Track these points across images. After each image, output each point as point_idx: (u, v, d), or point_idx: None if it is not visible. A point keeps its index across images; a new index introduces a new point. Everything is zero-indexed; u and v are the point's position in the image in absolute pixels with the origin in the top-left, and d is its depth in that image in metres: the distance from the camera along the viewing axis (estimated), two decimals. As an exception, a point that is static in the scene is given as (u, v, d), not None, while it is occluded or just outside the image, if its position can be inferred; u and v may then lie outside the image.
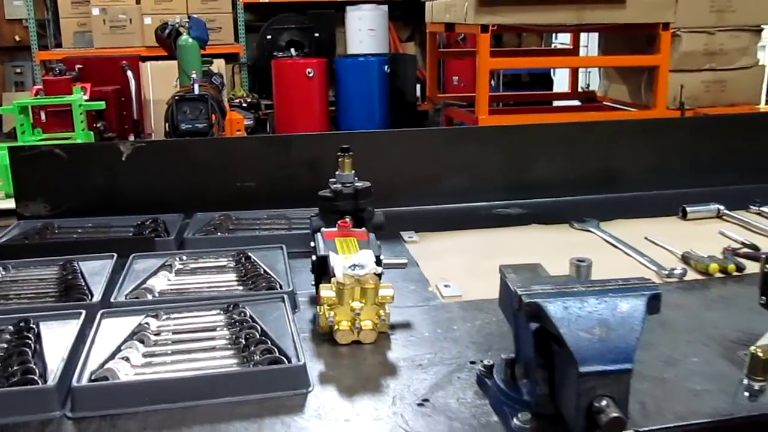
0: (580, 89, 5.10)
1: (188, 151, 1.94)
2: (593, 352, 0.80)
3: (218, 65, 6.33)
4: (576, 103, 4.83)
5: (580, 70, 5.65)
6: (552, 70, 7.12)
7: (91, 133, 4.92)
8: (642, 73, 3.91)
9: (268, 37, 7.19)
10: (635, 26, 3.75)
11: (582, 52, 5.53)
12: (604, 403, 0.79)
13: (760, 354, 0.92)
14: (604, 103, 4.44)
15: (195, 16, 5.95)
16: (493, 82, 7.58)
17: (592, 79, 5.73)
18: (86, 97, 5.05)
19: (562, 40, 6.61)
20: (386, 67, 6.84)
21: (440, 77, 7.87)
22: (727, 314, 1.28)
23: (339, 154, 1.43)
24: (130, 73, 5.95)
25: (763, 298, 1.10)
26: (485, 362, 1.02)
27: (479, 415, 0.96)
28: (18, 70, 8.02)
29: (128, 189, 1.84)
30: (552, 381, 0.88)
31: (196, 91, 4.79)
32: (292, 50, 7.06)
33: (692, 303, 1.34)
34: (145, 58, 6.26)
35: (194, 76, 4.84)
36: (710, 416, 0.96)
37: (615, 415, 0.78)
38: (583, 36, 5.36)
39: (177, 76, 5.19)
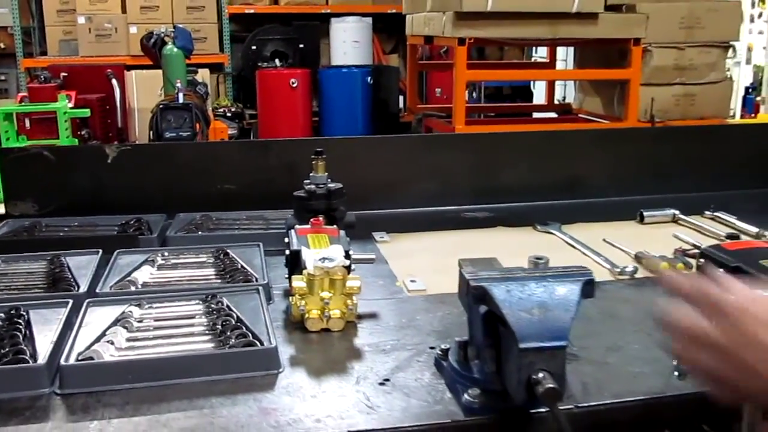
0: (556, 102, 5.23)
1: (171, 154, 2.03)
2: (532, 330, 0.90)
3: (203, 75, 6.41)
4: (553, 115, 4.95)
5: (558, 83, 5.79)
6: (532, 83, 7.26)
7: (76, 140, 4.98)
8: (615, 86, 4.04)
9: (253, 47, 7.28)
10: (608, 41, 3.87)
11: (561, 65, 5.67)
12: (541, 375, 0.89)
13: (687, 336, 1.01)
14: (579, 115, 4.57)
15: (180, 25, 6.03)
16: (475, 95, 7.71)
17: (569, 92, 5.86)
18: (71, 105, 5.11)
19: (542, 53, 6.75)
20: (369, 78, 6.94)
21: (423, 89, 8.00)
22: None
23: (313, 157, 1.53)
24: (115, 82, 6.01)
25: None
26: (442, 346, 1.11)
27: (434, 393, 1.05)
28: (2, 78, 8.05)
29: (113, 190, 1.92)
30: (499, 359, 0.97)
31: (181, 100, 4.86)
32: (277, 61, 7.15)
33: (641, 298, 1.44)
34: (130, 67, 6.33)
35: (179, 85, 4.91)
36: (644, 394, 1.06)
37: (550, 385, 0.88)
38: (561, 50, 5.50)
39: (162, 85, 5.26)
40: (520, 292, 0.92)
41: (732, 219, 1.93)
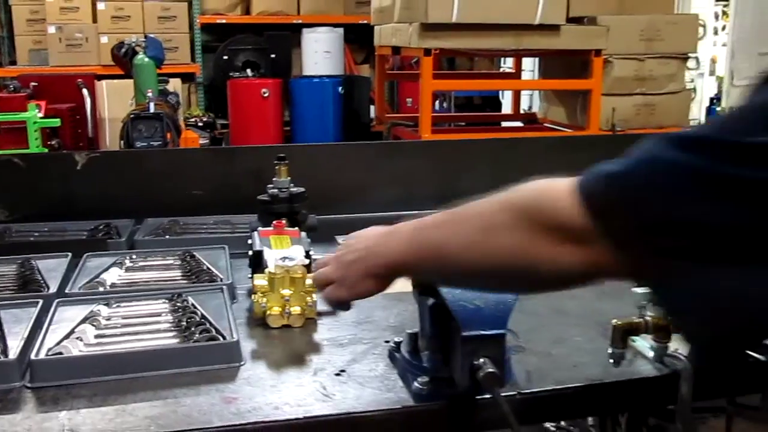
0: (522, 111, 5.34)
1: (140, 161, 2.08)
2: (474, 319, 0.97)
3: (174, 84, 6.44)
4: (519, 124, 5.06)
5: (525, 93, 5.91)
6: (501, 93, 7.37)
7: (46, 150, 4.99)
8: (577, 96, 4.15)
9: (225, 57, 7.32)
10: (570, 52, 3.98)
11: (528, 76, 5.79)
12: (482, 361, 0.96)
13: (620, 325, 1.09)
14: (545, 124, 4.68)
15: (152, 35, 6.07)
16: (445, 104, 7.81)
17: (535, 102, 5.98)
18: (41, 115, 5.11)
19: (510, 64, 6.87)
20: (341, 88, 7.01)
21: (394, 99, 8.09)
22: (616, 304, 1.45)
23: (276, 162, 1.60)
24: (85, 91, 6.02)
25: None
26: (395, 339, 1.18)
27: (387, 382, 1.12)
28: (-28, 87, 8.02)
29: (83, 196, 1.97)
30: (446, 349, 1.04)
31: (152, 110, 4.89)
32: (249, 71, 7.20)
33: (587, 295, 1.51)
34: (101, 77, 6.34)
35: (150, 94, 4.94)
36: (583, 381, 1.13)
37: (490, 370, 0.95)
38: (528, 61, 5.62)
39: (133, 94, 5.29)
40: (462, 284, 0.99)
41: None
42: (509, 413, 0.96)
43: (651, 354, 1.17)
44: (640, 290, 1.11)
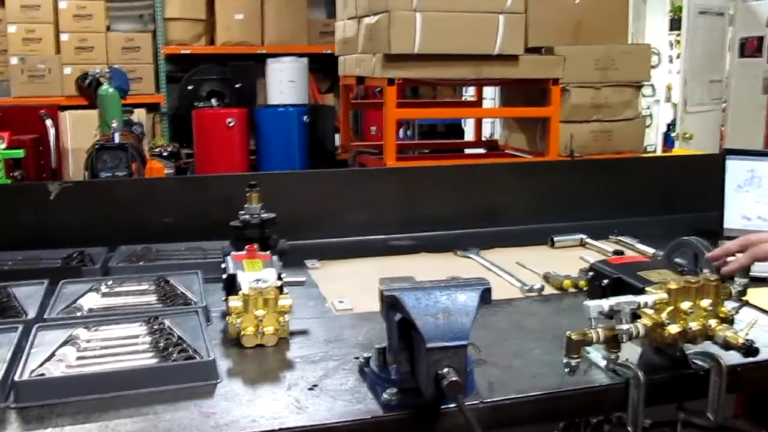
0: (484, 138, 5.46)
1: (112, 190, 2.13)
2: (437, 332, 1.04)
3: (139, 115, 6.47)
4: (481, 150, 5.17)
5: (487, 121, 6.04)
6: (463, 121, 7.51)
7: (9, 181, 4.97)
8: (537, 123, 4.27)
9: (189, 87, 7.37)
10: (529, 81, 4.11)
11: (490, 104, 5.92)
12: (446, 370, 1.03)
13: (573, 336, 1.17)
14: (506, 150, 4.80)
15: (116, 66, 6.11)
16: (409, 132, 7.94)
17: (497, 130, 6.11)
18: (4, 146, 5.10)
19: (472, 93, 7.02)
20: (306, 117, 7.08)
21: (359, 127, 8.19)
22: (573, 319, 1.53)
23: (247, 189, 1.66)
24: (48, 122, 6.01)
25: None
26: (365, 355, 1.25)
27: (357, 394, 1.18)
28: (-68, 119, 7.94)
29: (56, 225, 2.01)
30: (412, 361, 1.11)
31: (116, 140, 4.91)
32: (213, 100, 7.25)
33: (545, 311, 1.61)
34: (64, 107, 6.34)
35: (114, 125, 4.97)
36: (541, 390, 1.21)
37: (454, 379, 1.02)
38: (490, 90, 5.75)
39: (97, 125, 5.31)
40: (426, 299, 1.07)
41: (633, 242, 2.13)
42: (471, 418, 1.03)
43: (603, 364, 1.25)
44: (592, 304, 1.20)
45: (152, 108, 7.29)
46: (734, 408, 2.60)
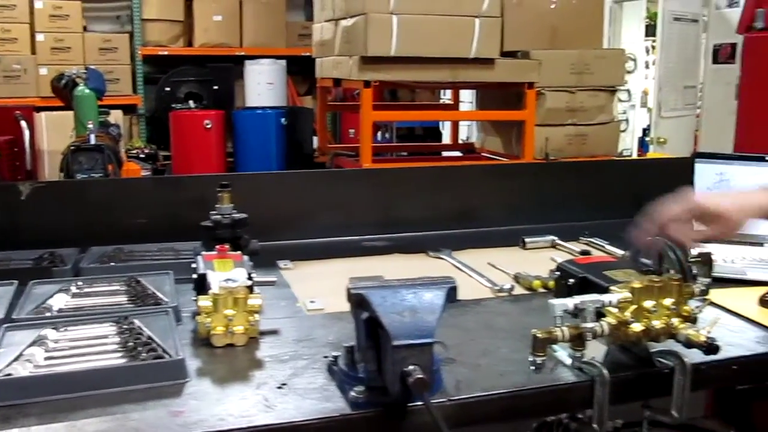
0: (461, 141, 5.49)
1: (84, 191, 2.12)
2: (403, 330, 1.05)
3: (116, 116, 6.42)
4: (458, 153, 5.20)
5: (464, 123, 6.08)
6: (441, 124, 7.54)
7: (-16, 182, 4.93)
8: (512, 126, 4.31)
9: (167, 89, 7.34)
10: (505, 85, 4.15)
11: (468, 107, 5.95)
12: (412, 368, 1.04)
13: (539, 335, 1.19)
14: (482, 153, 4.83)
15: (92, 67, 6.06)
16: (387, 135, 7.95)
17: (474, 132, 6.15)
18: (-22, 147, 5.06)
19: (450, 96, 7.05)
20: (284, 119, 7.08)
21: (338, 130, 8.20)
22: (542, 318, 1.53)
23: (218, 189, 1.67)
24: (23, 123, 5.96)
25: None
26: (334, 354, 1.26)
27: (326, 393, 1.19)
28: None
29: (27, 226, 2.00)
30: (379, 359, 1.12)
31: (93, 142, 4.88)
32: (191, 102, 7.23)
33: (515, 311, 1.62)
34: (40, 108, 6.29)
35: (91, 126, 4.93)
36: (507, 388, 1.22)
37: (419, 376, 1.03)
38: (468, 93, 5.78)
39: (73, 126, 5.27)
40: (393, 298, 1.08)
41: (603, 243, 2.15)
42: (437, 416, 1.04)
43: (570, 362, 1.27)
44: (557, 302, 1.21)
45: (129, 109, 7.25)
46: (704, 408, 2.64)
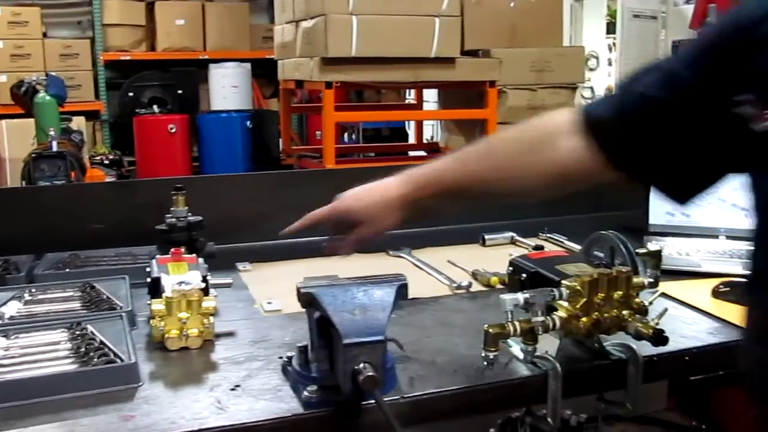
0: (425, 141, 5.51)
1: (39, 197, 2.09)
2: (354, 328, 1.05)
3: (78, 123, 6.35)
4: (423, 153, 5.22)
5: (428, 123, 6.10)
6: (407, 124, 7.56)
7: (-58, 191, 4.84)
8: (475, 125, 4.33)
9: (130, 94, 7.27)
10: (467, 84, 4.17)
11: (433, 106, 5.98)
12: (362, 366, 1.04)
13: (490, 330, 1.20)
14: (446, 152, 4.85)
15: (53, 73, 5.99)
16: (354, 136, 7.96)
17: (439, 132, 6.18)
18: (-63, 155, 4.98)
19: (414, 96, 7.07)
20: (249, 122, 7.05)
21: (304, 131, 8.18)
22: (498, 314, 1.55)
23: (173, 192, 1.66)
24: (-16, 131, 5.88)
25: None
26: (288, 354, 1.25)
27: (279, 393, 1.19)
28: None
29: (-20, 234, 1.97)
30: (332, 358, 1.12)
31: (55, 149, 4.83)
32: (155, 107, 7.17)
33: (472, 307, 1.63)
34: (0, 116, 6.21)
35: (52, 133, 4.88)
36: (461, 384, 1.23)
37: (370, 374, 1.03)
38: (432, 93, 5.80)
39: (34, 134, 5.21)
40: (343, 296, 1.08)
41: (562, 239, 2.17)
42: (389, 413, 1.05)
43: (522, 356, 1.28)
44: (507, 297, 1.22)
45: (92, 115, 7.17)
46: (667, 402, 2.67)
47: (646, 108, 1.14)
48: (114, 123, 7.47)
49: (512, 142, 1.34)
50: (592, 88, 8.77)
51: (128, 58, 7.30)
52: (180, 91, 7.40)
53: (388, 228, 1.41)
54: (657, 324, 1.23)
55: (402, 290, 1.12)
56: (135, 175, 6.82)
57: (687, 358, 1.40)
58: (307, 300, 1.08)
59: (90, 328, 1.38)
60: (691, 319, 1.55)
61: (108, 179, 5.99)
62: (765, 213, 1.05)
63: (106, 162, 6.75)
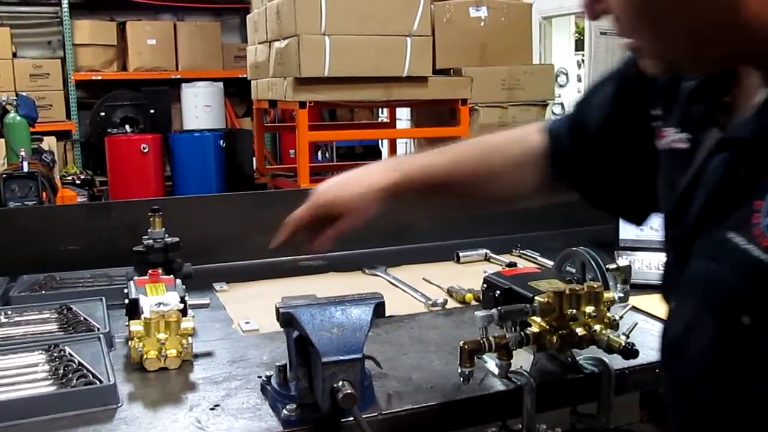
0: (399, 159, 5.56)
1: (13, 219, 2.09)
2: (332, 346, 1.07)
3: (49, 143, 6.33)
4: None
5: (401, 141, 6.15)
6: (380, 142, 7.61)
7: None
8: (448, 142, 4.38)
9: (102, 113, 7.25)
10: (438, 102, 4.23)
11: (406, 125, 6.03)
12: (341, 384, 1.06)
13: (465, 346, 1.22)
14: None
15: (23, 93, 5.97)
16: (327, 154, 7.99)
17: (411, 150, 6.23)
18: None
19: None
20: (222, 141, 7.05)
21: (278, 150, 8.19)
22: (473, 330, 1.58)
23: (150, 214, 1.67)
24: (-47, 152, 5.82)
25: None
26: (267, 373, 1.27)
27: (259, 412, 1.20)
28: None
29: (-46, 257, 1.96)
30: (310, 376, 1.14)
31: (26, 169, 4.81)
32: (127, 127, 7.15)
33: (447, 324, 1.66)
34: (-31, 137, 6.14)
35: (23, 153, 4.86)
36: (437, 400, 1.25)
37: (348, 391, 1.05)
38: (405, 111, 5.85)
39: (5, 154, 5.18)
40: (321, 315, 1.10)
41: (535, 255, 2.21)
42: (366, 429, 1.06)
43: (497, 371, 1.30)
44: (482, 313, 1.25)
45: (63, 135, 7.14)
46: (641, 414, 2.71)
47: (579, 136, 1.25)
48: (85, 143, 7.44)
49: (493, 139, 1.43)
50: (562, 105, 8.90)
51: (99, 77, 7.28)
52: (152, 111, 7.40)
53: (369, 218, 1.39)
54: (627, 337, 1.26)
55: (379, 308, 1.15)
56: (107, 195, 6.79)
57: (657, 370, 1.44)
58: (286, 320, 1.10)
59: (68, 349, 1.38)
60: (660, 331, 1.59)
61: (79, 199, 5.97)
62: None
63: (78, 182, 6.72)
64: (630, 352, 1.24)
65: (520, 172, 1.34)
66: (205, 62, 7.66)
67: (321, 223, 1.39)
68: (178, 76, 7.49)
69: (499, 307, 1.25)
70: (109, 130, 7.04)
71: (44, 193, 4.87)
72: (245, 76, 5.19)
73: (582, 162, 1.27)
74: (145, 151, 6.69)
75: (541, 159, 1.31)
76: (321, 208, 1.38)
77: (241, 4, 7.87)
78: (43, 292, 1.81)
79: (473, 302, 1.78)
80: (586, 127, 1.26)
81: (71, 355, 1.35)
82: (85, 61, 7.28)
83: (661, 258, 2.08)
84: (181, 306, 1.38)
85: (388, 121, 5.54)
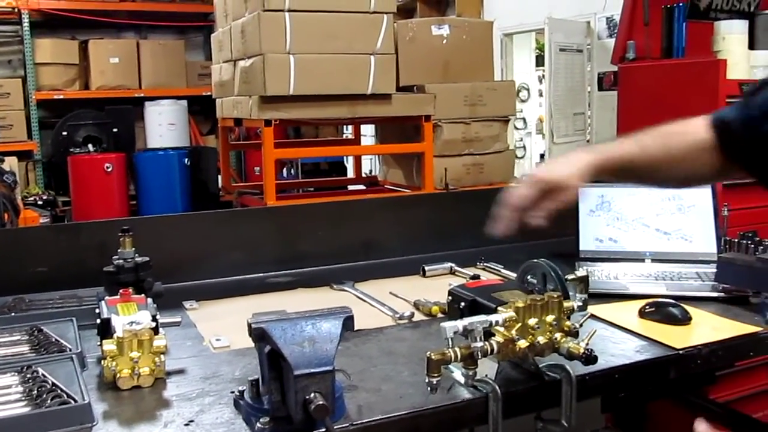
0: (364, 174, 5.60)
1: (-20, 242, 2.09)
2: (304, 359, 1.11)
3: (11, 163, 6.25)
4: (362, 187, 5.30)
5: (367, 157, 6.20)
6: (345, 159, 7.66)
7: None
8: (413, 158, 4.44)
9: (64, 133, 7.19)
10: (402, 119, 4.28)
11: (371, 141, 6.08)
12: (313, 395, 1.10)
13: (432, 357, 1.26)
14: (385, 186, 4.94)
15: (-16, 114, 5.90)
16: (293, 171, 8.00)
17: (377, 166, 6.28)
18: None
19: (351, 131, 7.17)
20: (187, 159, 7.03)
21: (243, 168, 8.19)
22: (440, 341, 1.62)
23: (120, 234, 1.69)
24: None
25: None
26: (240, 388, 1.30)
27: (232, 427, 1.23)
28: None
29: None
30: (283, 389, 1.17)
31: (-13, 190, 4.75)
32: (90, 146, 7.10)
33: (414, 336, 1.70)
34: (-71, 159, 6.05)
35: (-16, 174, 4.80)
36: (406, 410, 1.29)
37: (320, 402, 1.09)
38: (370, 128, 5.91)
39: (-35, 175, 5.11)
40: (293, 330, 1.14)
41: (498, 267, 2.27)
42: (339, 439, 1.10)
43: (464, 380, 1.35)
44: (447, 325, 1.29)
45: (25, 155, 7.07)
46: (605, 419, 2.78)
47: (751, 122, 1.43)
48: (47, 163, 7.37)
49: (672, 129, 1.54)
50: (524, 119, 9.05)
51: (61, 97, 7.23)
52: (115, 130, 7.35)
53: (578, 191, 1.54)
54: (587, 344, 1.31)
55: (348, 322, 1.18)
56: (70, 216, 6.73)
57: (617, 375, 1.50)
58: (259, 334, 1.14)
59: (41, 370, 1.39)
60: (619, 338, 1.65)
61: (42, 220, 5.91)
62: None
63: (40, 202, 6.66)
64: (589, 358, 1.29)
65: (696, 158, 1.50)
66: (169, 80, 7.65)
67: (536, 202, 1.51)
68: (142, 95, 7.46)
69: (464, 319, 1.30)
70: (71, 150, 6.99)
71: (6, 215, 4.81)
72: (209, 93, 5.20)
73: (756, 147, 1.41)
74: (109, 170, 6.65)
75: (716, 146, 1.47)
76: (542, 183, 1.50)
77: (205, 22, 7.89)
78: (13, 314, 1.81)
79: (439, 314, 1.82)
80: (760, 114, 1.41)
81: (44, 376, 1.37)
82: (46, 80, 7.22)
83: (619, 268, 2.15)
84: (153, 324, 1.41)
85: (353, 137, 5.58)
